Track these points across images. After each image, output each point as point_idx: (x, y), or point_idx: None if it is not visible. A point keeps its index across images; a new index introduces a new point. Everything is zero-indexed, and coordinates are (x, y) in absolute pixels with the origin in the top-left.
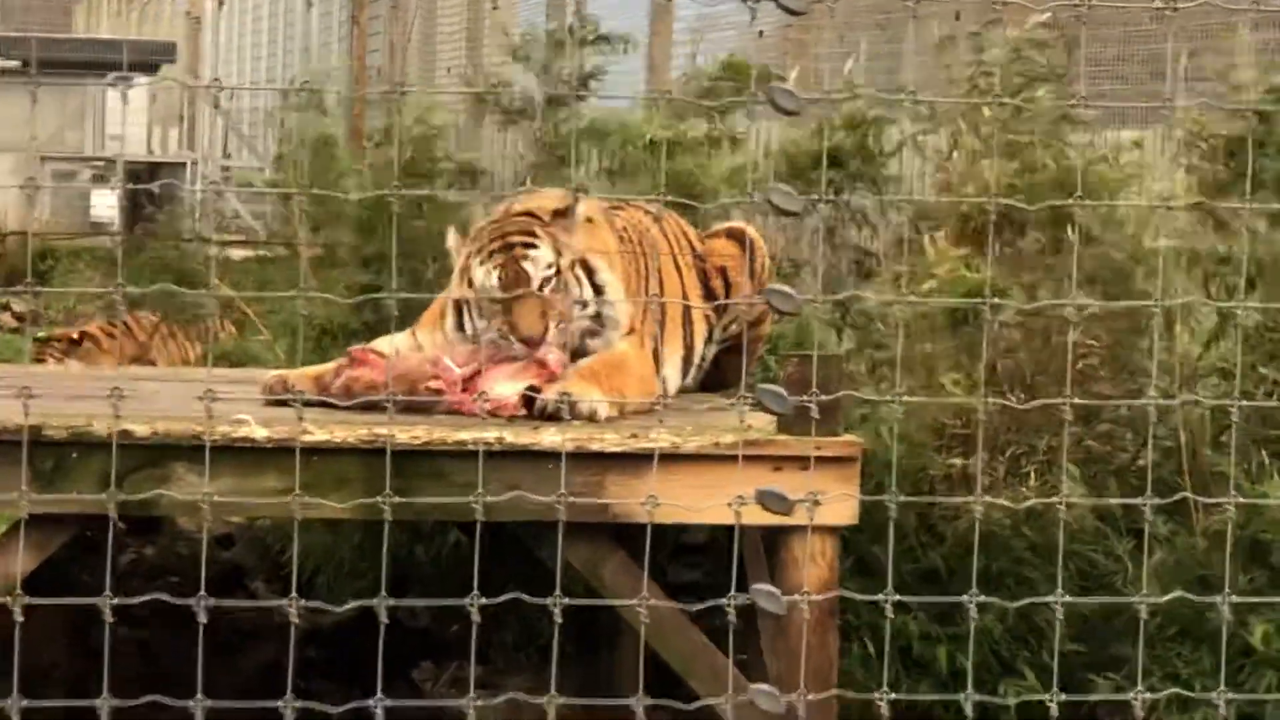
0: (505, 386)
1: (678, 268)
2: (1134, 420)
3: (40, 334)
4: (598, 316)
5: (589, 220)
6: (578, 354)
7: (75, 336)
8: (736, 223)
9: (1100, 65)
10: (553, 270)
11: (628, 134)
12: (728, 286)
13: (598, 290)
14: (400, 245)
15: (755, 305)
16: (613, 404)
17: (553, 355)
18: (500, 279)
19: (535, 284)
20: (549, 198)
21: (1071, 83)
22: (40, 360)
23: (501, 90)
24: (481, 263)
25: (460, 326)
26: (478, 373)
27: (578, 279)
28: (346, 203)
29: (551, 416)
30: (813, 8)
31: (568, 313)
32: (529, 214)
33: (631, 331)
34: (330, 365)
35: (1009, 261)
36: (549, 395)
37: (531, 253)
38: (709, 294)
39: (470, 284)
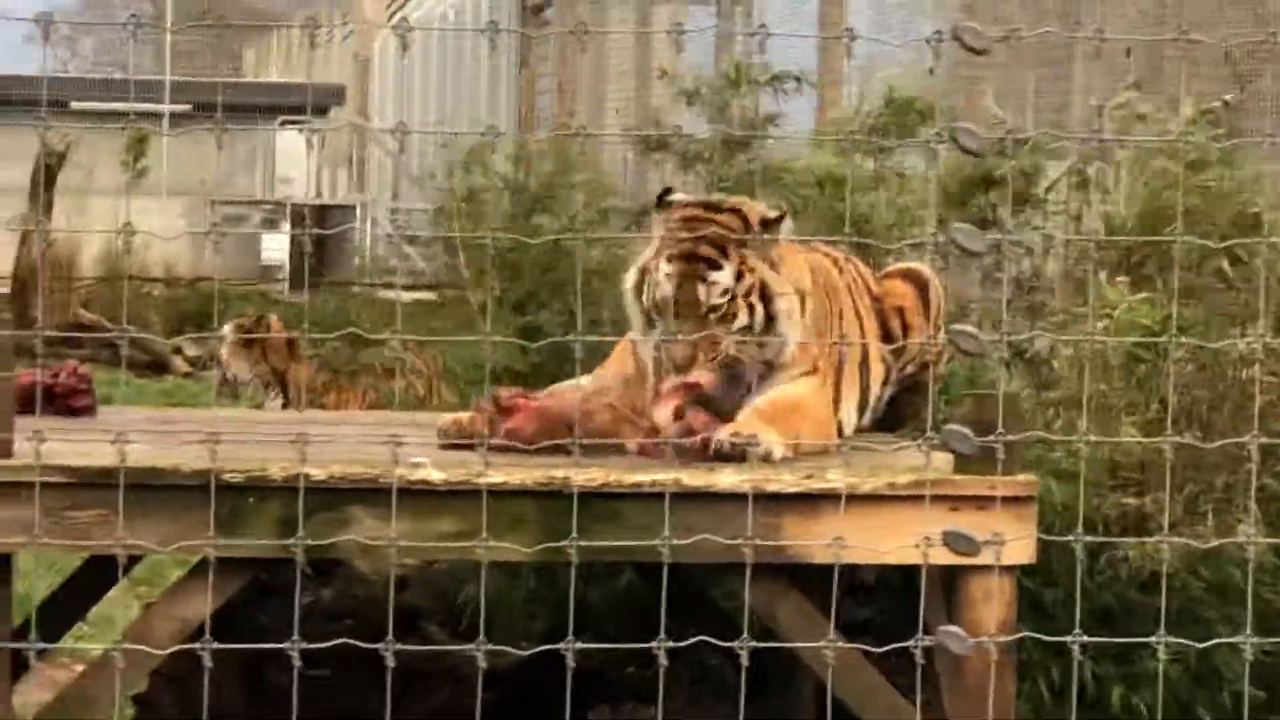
0: (660, 412)
1: (857, 310)
2: None
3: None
4: (761, 346)
5: (791, 245)
6: (741, 380)
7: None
8: (912, 264)
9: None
10: (726, 297)
11: (800, 174)
12: (905, 328)
13: (770, 320)
14: (568, 288)
15: (933, 347)
16: (788, 445)
17: (704, 379)
18: (675, 291)
19: (703, 310)
20: (759, 206)
21: (1245, 117)
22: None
23: (676, 135)
24: (668, 259)
25: (645, 314)
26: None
27: (750, 307)
28: (514, 247)
29: (727, 457)
30: (994, 46)
31: (723, 340)
32: (734, 210)
33: (814, 371)
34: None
35: (1179, 297)
36: (723, 435)
37: (712, 274)
38: (887, 336)
39: (656, 267)
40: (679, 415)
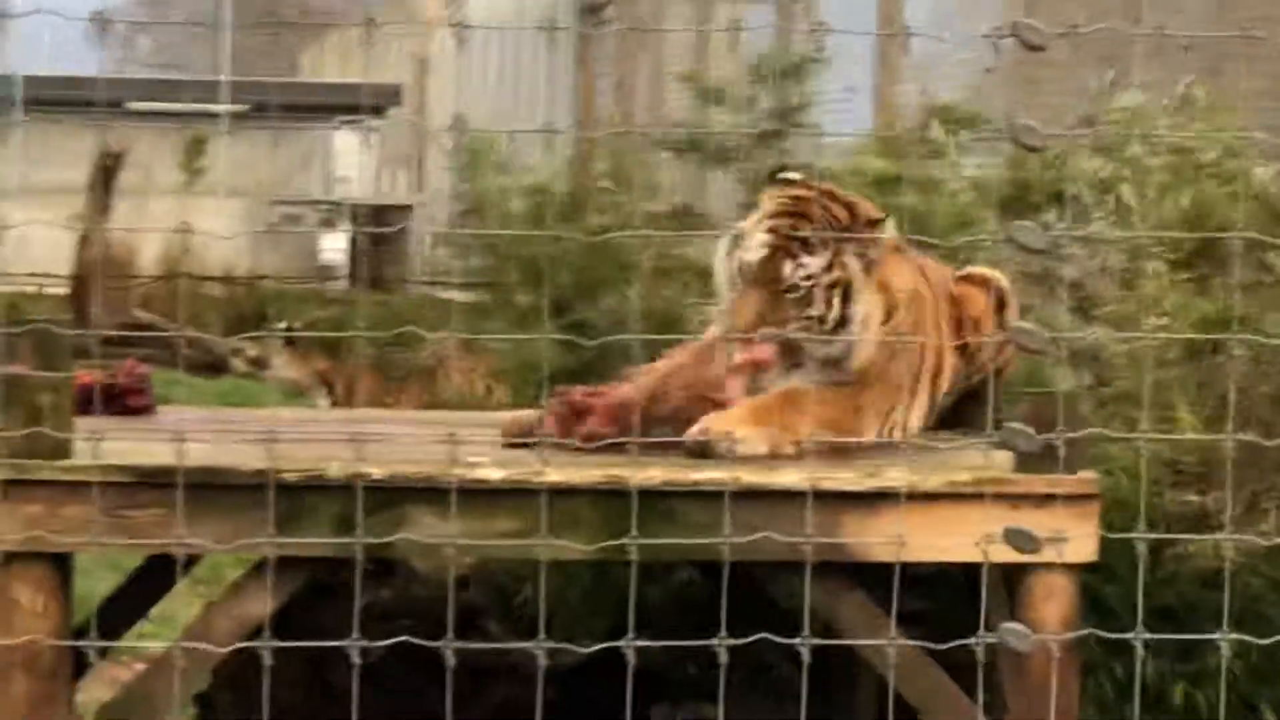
0: (732, 388)
1: (937, 320)
2: None
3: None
4: (831, 346)
5: (895, 249)
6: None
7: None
8: (988, 269)
9: None
10: (809, 282)
11: (855, 174)
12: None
13: (843, 323)
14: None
15: (1004, 352)
16: (772, 443)
17: (767, 353)
18: (759, 261)
19: (782, 286)
20: (869, 205)
21: None
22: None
23: (728, 133)
24: (766, 230)
25: (729, 257)
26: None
27: (828, 302)
28: (563, 247)
29: (700, 454)
30: (1053, 43)
31: (790, 319)
32: (846, 204)
33: (861, 379)
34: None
35: (1229, 292)
36: (693, 431)
37: (803, 257)
38: (962, 345)
39: (750, 236)
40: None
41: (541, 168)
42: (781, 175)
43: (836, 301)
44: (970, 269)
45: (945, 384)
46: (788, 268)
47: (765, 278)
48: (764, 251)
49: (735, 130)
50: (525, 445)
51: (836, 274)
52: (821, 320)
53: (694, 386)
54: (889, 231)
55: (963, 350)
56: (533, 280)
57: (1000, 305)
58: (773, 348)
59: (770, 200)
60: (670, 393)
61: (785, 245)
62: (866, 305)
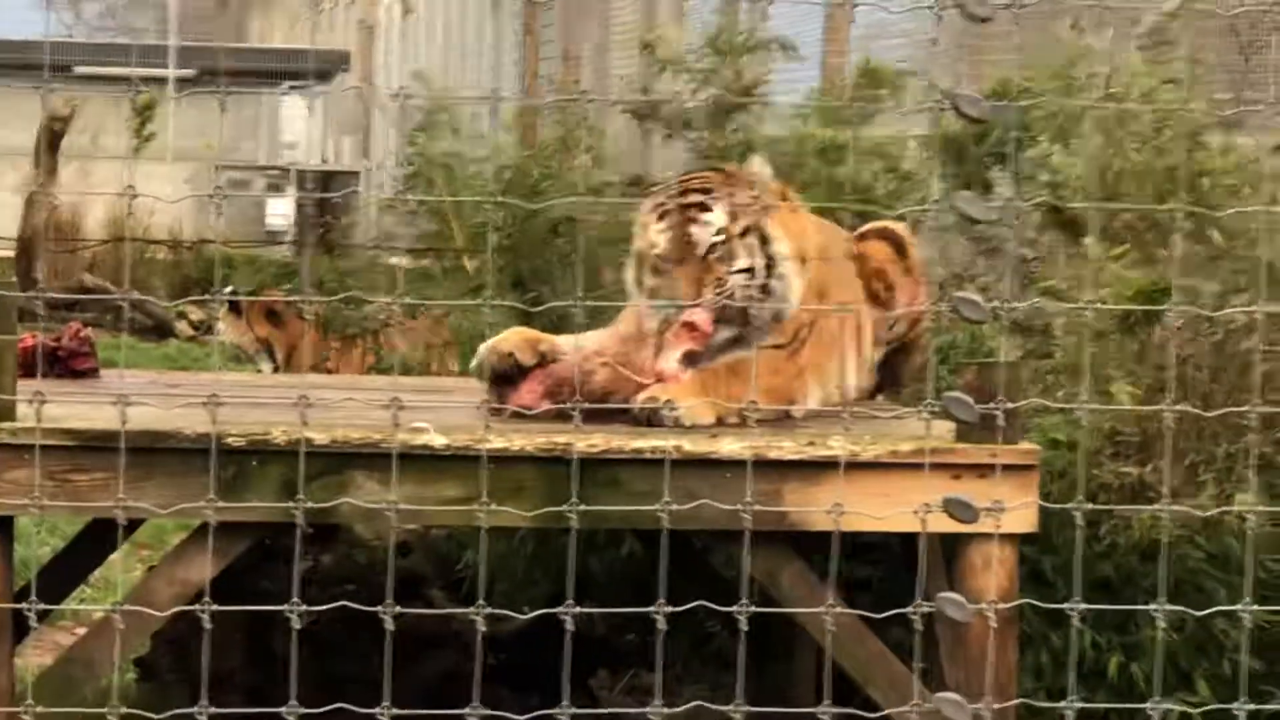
0: (664, 361)
1: (850, 275)
2: None
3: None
4: (765, 289)
5: (792, 207)
6: (744, 326)
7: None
8: (888, 222)
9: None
10: (721, 238)
11: (795, 142)
12: (887, 287)
13: (769, 264)
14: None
15: (917, 298)
16: (714, 411)
17: (699, 315)
18: (669, 241)
19: (701, 250)
20: (743, 166)
21: (1249, 88)
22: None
23: (670, 100)
24: (658, 219)
25: (639, 282)
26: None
27: (748, 249)
28: (506, 215)
29: (646, 422)
30: (997, 14)
31: (726, 281)
32: (716, 169)
33: (794, 339)
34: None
35: (1162, 265)
36: (640, 398)
37: (703, 215)
38: (869, 295)
39: (646, 240)
40: (690, 360)
41: (490, 136)
42: (650, 188)
43: (757, 246)
44: (871, 224)
45: (868, 337)
46: (696, 231)
47: (683, 252)
48: (668, 234)
49: (695, 100)
50: (506, 377)
51: (743, 221)
52: (752, 271)
53: (620, 368)
54: (755, 163)
55: (876, 301)
56: (483, 246)
57: (900, 251)
58: (707, 314)
59: (650, 203)
60: (593, 372)
61: (683, 217)
62: (783, 243)
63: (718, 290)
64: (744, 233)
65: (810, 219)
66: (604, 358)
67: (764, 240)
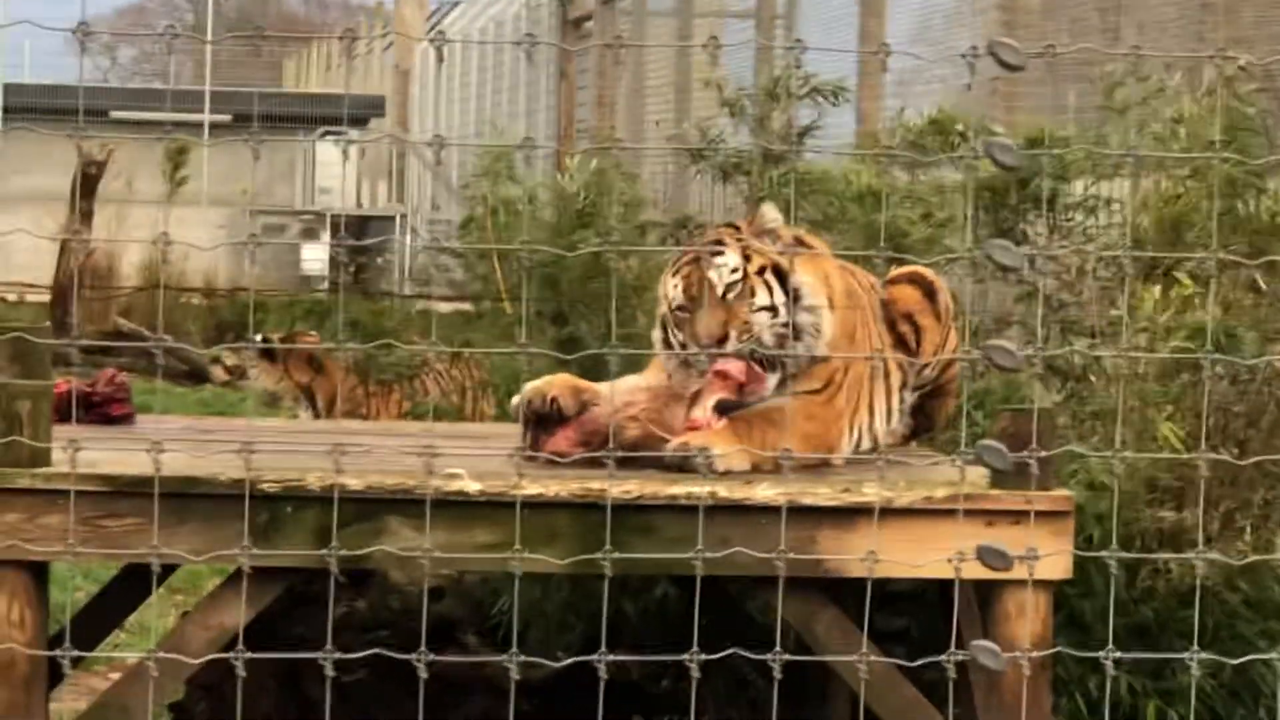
0: (698, 410)
1: (873, 318)
2: None
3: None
4: (792, 327)
5: (815, 253)
6: (779, 369)
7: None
8: (917, 267)
9: None
10: (738, 275)
11: (836, 186)
12: (916, 330)
13: (790, 300)
14: (607, 299)
15: (944, 350)
16: (750, 459)
17: (732, 365)
18: (685, 290)
19: (720, 291)
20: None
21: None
22: None
23: (717, 146)
24: (673, 274)
25: (666, 343)
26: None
27: (767, 285)
28: (552, 261)
29: (673, 468)
30: (1029, 62)
31: (750, 322)
32: (727, 225)
33: (829, 384)
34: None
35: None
36: (673, 444)
37: (717, 260)
38: (898, 339)
39: (666, 298)
40: (722, 410)
41: (530, 180)
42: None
43: (774, 283)
44: (896, 270)
45: (895, 381)
46: (713, 275)
47: (702, 298)
48: (684, 284)
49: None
50: (542, 420)
51: (758, 261)
52: (773, 309)
53: (651, 422)
54: (771, 214)
55: (904, 346)
56: (532, 291)
57: (930, 295)
58: (740, 362)
59: (672, 267)
60: (623, 427)
61: (697, 267)
62: (802, 279)
63: (744, 333)
64: (761, 270)
65: (831, 263)
66: (635, 411)
67: (781, 276)
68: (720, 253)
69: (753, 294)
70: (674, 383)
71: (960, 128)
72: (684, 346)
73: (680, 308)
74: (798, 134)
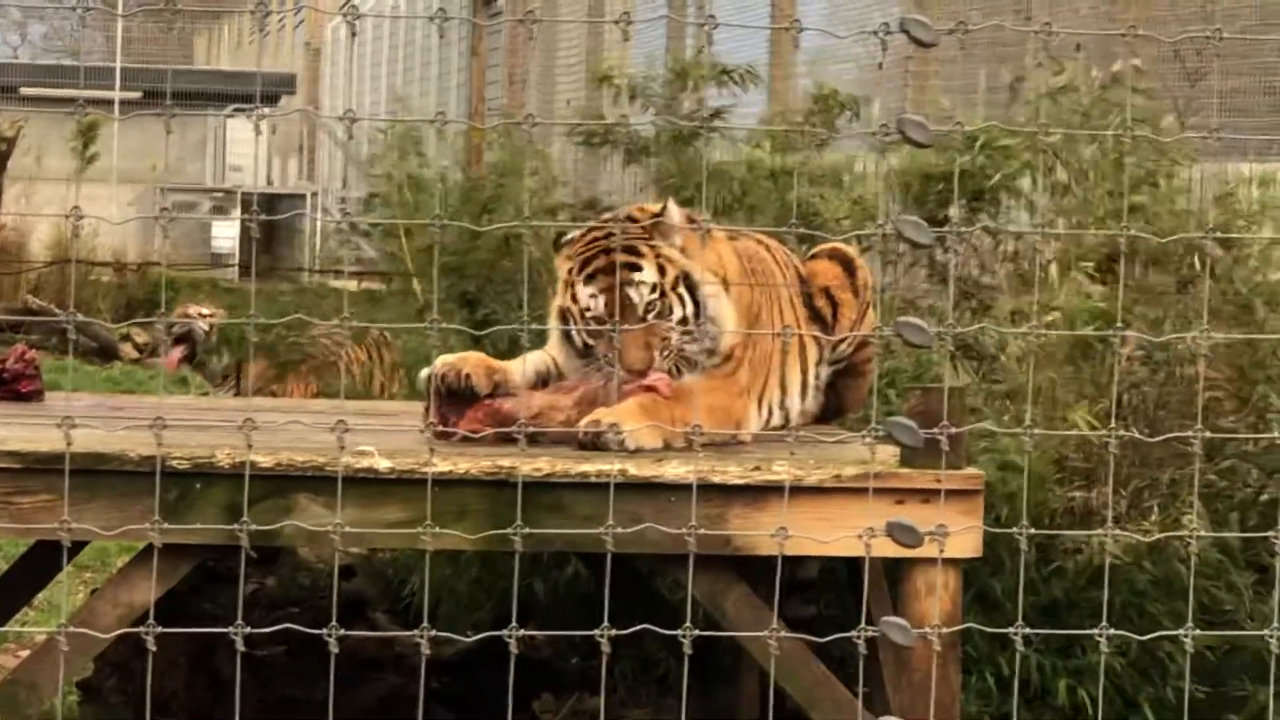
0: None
1: (791, 294)
2: (1258, 455)
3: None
4: (700, 328)
5: (708, 234)
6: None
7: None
8: (838, 243)
9: (1222, 97)
10: (656, 294)
11: (746, 168)
12: (834, 306)
13: (699, 308)
14: (515, 278)
15: (861, 326)
16: (660, 436)
17: (659, 381)
18: (606, 305)
19: (639, 312)
20: (647, 206)
21: (1194, 114)
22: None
23: (624, 125)
24: (586, 280)
25: (568, 337)
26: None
27: (680, 298)
28: (461, 245)
29: (591, 446)
30: (940, 39)
31: (670, 338)
32: (628, 218)
33: (729, 359)
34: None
35: (1130, 295)
36: (583, 423)
37: (635, 275)
38: (814, 314)
39: (574, 299)
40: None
41: (437, 158)
42: (563, 240)
43: (686, 294)
44: (823, 245)
45: (811, 355)
46: (634, 295)
47: (622, 316)
48: (602, 295)
49: (653, 124)
50: (456, 395)
51: (672, 272)
52: (685, 321)
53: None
54: (671, 212)
55: (821, 322)
56: (441, 271)
57: (849, 271)
58: (665, 378)
59: (567, 260)
60: (544, 424)
61: (610, 275)
62: (712, 287)
63: (664, 349)
64: (675, 284)
65: (727, 245)
66: (557, 412)
67: (691, 287)
68: (638, 267)
69: (670, 311)
70: (588, 387)
71: (843, 101)
72: (591, 346)
73: (598, 319)
74: (707, 116)
